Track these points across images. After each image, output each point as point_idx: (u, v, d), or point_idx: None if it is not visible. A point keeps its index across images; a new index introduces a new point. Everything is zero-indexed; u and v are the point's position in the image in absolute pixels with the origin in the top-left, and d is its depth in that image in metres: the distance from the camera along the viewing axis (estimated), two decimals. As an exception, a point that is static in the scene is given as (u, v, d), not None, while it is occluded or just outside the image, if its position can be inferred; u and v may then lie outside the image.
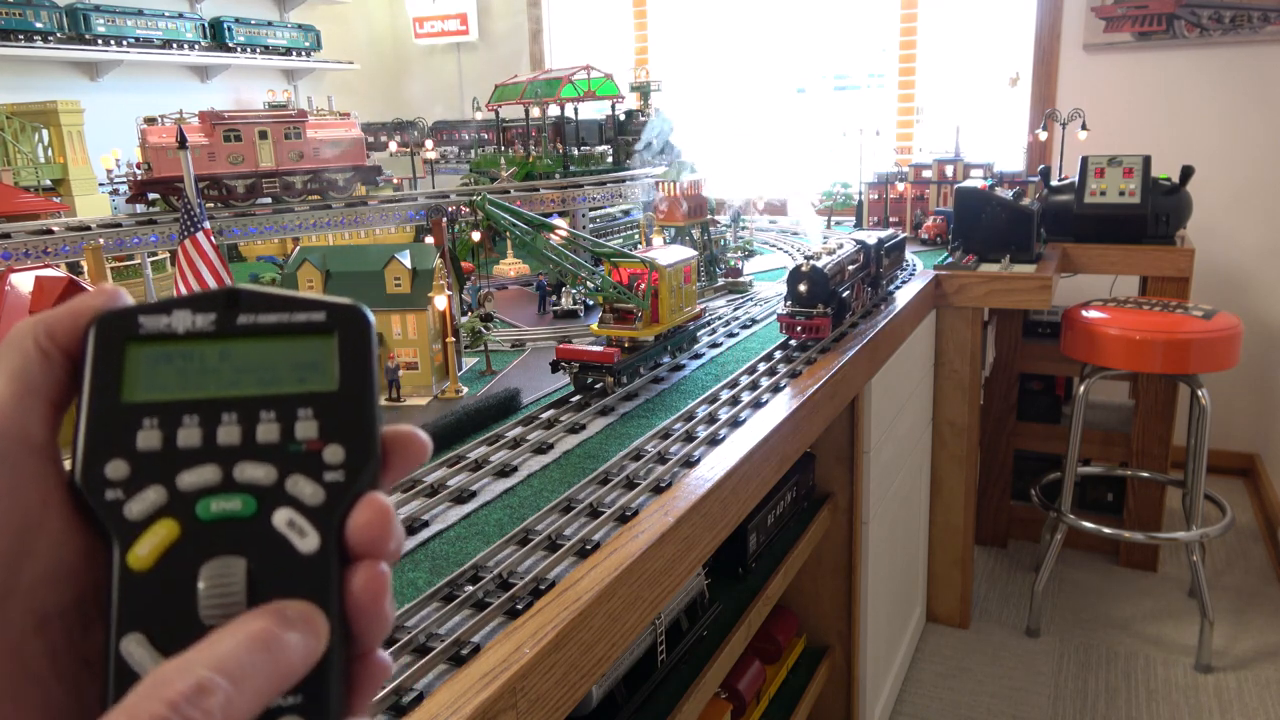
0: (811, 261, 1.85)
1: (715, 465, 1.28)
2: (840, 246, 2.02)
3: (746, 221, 3.19)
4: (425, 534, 1.10)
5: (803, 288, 1.82)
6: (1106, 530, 2.94)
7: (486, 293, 2.03)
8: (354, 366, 0.35)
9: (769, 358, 1.80)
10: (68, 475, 0.33)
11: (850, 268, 2.00)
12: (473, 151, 3.58)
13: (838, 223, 3.64)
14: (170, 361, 0.34)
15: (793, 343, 1.88)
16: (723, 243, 2.70)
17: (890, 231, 2.40)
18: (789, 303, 1.84)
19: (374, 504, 0.33)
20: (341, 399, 0.34)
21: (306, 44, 4.86)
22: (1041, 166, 3.39)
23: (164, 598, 0.31)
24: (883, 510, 2.31)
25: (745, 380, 1.65)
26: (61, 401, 0.34)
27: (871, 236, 2.20)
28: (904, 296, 2.34)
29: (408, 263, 1.63)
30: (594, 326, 1.69)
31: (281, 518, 0.33)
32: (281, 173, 2.36)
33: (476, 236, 2.36)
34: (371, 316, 0.36)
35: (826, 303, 1.82)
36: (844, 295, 1.92)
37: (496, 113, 3.31)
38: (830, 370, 1.71)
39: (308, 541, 0.32)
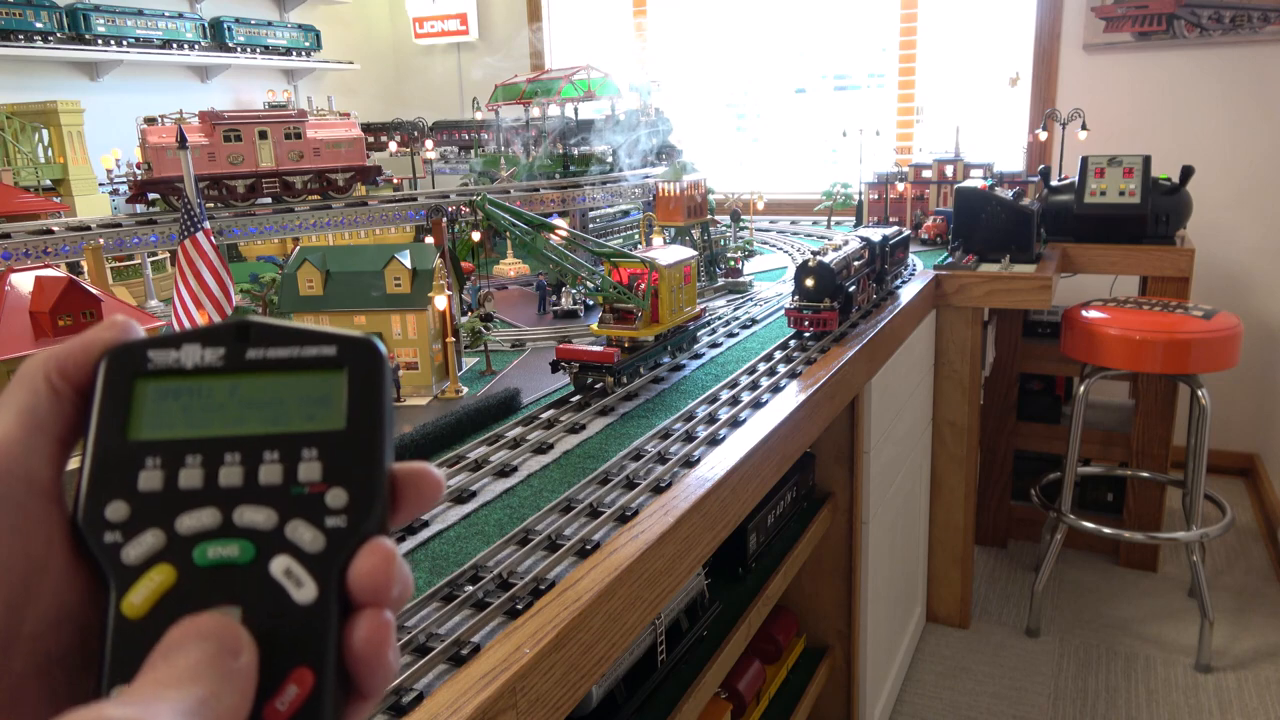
0: (818, 257, 1.89)
1: (715, 465, 1.28)
2: (846, 243, 2.05)
3: (746, 221, 3.19)
4: (425, 534, 1.10)
5: (810, 283, 1.87)
6: (1106, 530, 2.94)
7: (486, 293, 2.03)
8: (363, 404, 0.34)
9: (769, 358, 1.80)
10: (70, 515, 0.32)
11: (856, 263, 2.04)
12: (472, 151, 3.58)
13: (838, 223, 3.64)
14: (177, 398, 0.33)
15: (792, 342, 1.88)
16: (723, 243, 2.70)
17: (895, 228, 2.42)
18: (796, 297, 1.89)
19: (378, 550, 0.32)
20: (348, 439, 0.33)
21: (306, 44, 4.86)
22: (1041, 166, 3.38)
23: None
24: (883, 510, 2.31)
25: (745, 380, 1.65)
26: (70, 438, 0.33)
27: (876, 233, 2.23)
28: (904, 296, 2.34)
29: (408, 263, 1.63)
30: (594, 326, 1.69)
31: (279, 566, 0.31)
32: (281, 173, 2.36)
33: (476, 236, 2.36)
34: (384, 350, 0.35)
35: (833, 297, 1.87)
36: (850, 290, 1.96)
37: (496, 113, 3.31)
38: (830, 370, 1.71)
39: (304, 592, 0.31)
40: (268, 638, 0.31)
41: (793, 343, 1.89)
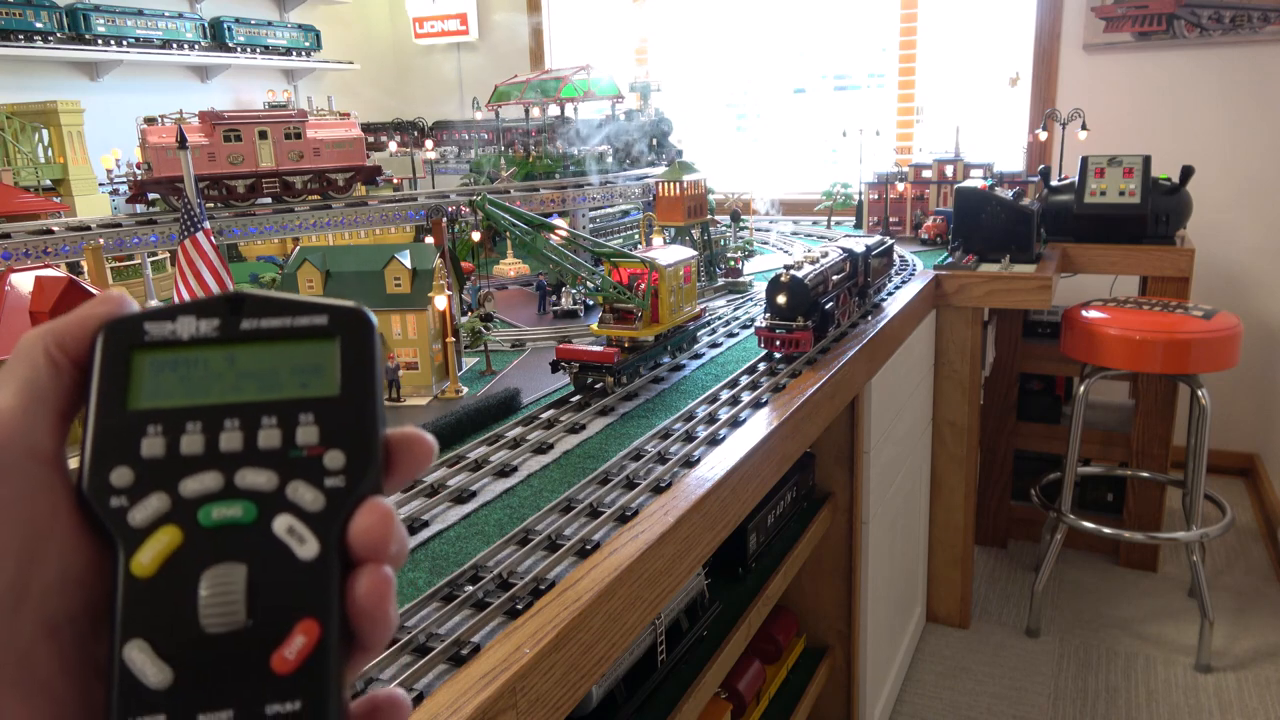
0: (791, 271, 1.74)
1: (715, 465, 1.28)
2: (825, 255, 1.91)
3: (746, 221, 3.19)
4: (425, 534, 1.10)
5: (781, 299, 1.70)
6: (1106, 530, 2.94)
7: (486, 293, 2.04)
8: (355, 370, 0.35)
9: (769, 358, 1.80)
10: (75, 483, 0.33)
11: (835, 277, 1.88)
12: (473, 151, 3.58)
13: (838, 223, 3.64)
14: (175, 368, 0.35)
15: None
16: (723, 243, 2.70)
17: (878, 238, 2.26)
18: (768, 315, 1.74)
19: (375, 509, 0.33)
20: (342, 403, 0.35)
21: (306, 44, 4.86)
22: (1041, 166, 3.39)
23: (166, 605, 0.32)
24: (883, 510, 2.31)
25: (745, 380, 1.65)
26: (70, 410, 0.34)
27: (859, 244, 2.06)
28: (904, 297, 2.34)
29: (408, 263, 1.63)
30: (594, 326, 1.69)
31: (281, 524, 0.33)
32: (282, 173, 2.36)
33: (476, 236, 2.36)
34: (374, 319, 0.36)
35: (808, 315, 1.71)
36: (827, 307, 1.79)
37: (496, 113, 3.31)
38: (830, 370, 1.71)
39: (307, 548, 0.33)
40: (273, 592, 0.32)
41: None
